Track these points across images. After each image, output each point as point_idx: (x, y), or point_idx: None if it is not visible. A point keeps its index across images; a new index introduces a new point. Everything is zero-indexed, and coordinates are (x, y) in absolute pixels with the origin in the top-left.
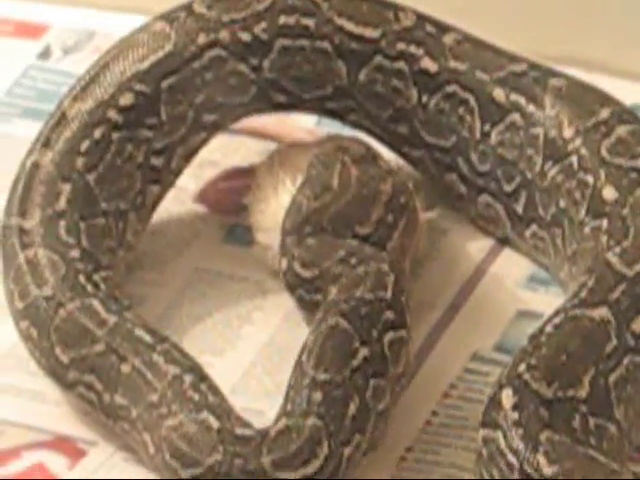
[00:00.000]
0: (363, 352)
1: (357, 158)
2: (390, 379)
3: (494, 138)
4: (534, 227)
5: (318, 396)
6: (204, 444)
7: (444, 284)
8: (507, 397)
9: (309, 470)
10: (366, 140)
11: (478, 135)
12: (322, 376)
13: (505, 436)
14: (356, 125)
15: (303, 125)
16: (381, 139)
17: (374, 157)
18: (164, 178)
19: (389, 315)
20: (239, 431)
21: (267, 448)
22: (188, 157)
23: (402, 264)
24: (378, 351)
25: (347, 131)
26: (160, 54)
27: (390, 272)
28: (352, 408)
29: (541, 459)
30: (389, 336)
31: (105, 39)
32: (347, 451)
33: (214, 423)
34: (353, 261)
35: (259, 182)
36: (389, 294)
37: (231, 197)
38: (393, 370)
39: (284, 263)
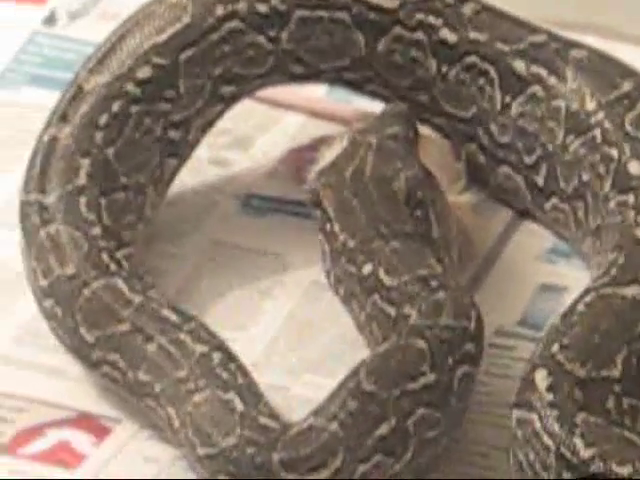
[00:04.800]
0: (428, 378)
1: (383, 142)
2: (449, 412)
3: (514, 110)
4: (555, 200)
5: (353, 405)
6: (224, 425)
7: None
8: (542, 378)
9: (316, 478)
10: None
11: (498, 106)
12: (369, 386)
13: (540, 418)
14: (374, 94)
15: (312, 94)
16: None
17: (405, 138)
18: (181, 151)
19: (470, 347)
20: (262, 420)
21: (282, 444)
22: (205, 129)
23: (451, 255)
24: (446, 381)
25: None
26: (178, 26)
27: (472, 304)
28: (383, 428)
29: (578, 441)
30: (463, 369)
31: (111, 4)
32: (362, 468)
33: (239, 405)
34: (433, 284)
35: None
36: (473, 325)
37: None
38: (455, 404)
39: (368, 267)
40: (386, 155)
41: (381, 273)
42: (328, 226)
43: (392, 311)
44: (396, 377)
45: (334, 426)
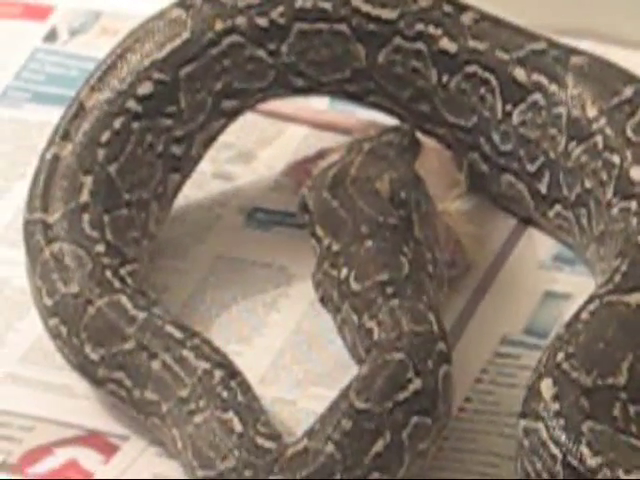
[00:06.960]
0: (416, 384)
1: (375, 147)
2: (436, 418)
3: (516, 118)
4: (558, 207)
5: (347, 424)
6: (222, 447)
7: None
8: (547, 387)
9: None
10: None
11: (500, 115)
12: (361, 404)
13: (547, 427)
14: (376, 106)
15: (315, 105)
16: (402, 118)
17: (399, 145)
18: (184, 166)
19: (441, 347)
20: (260, 441)
21: (279, 467)
22: (207, 143)
23: (434, 254)
24: (432, 384)
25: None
26: (177, 42)
27: (428, 307)
28: (379, 445)
29: (584, 450)
30: (443, 369)
31: (111, 19)
32: None
33: (237, 426)
34: (389, 290)
35: None
36: (435, 327)
37: None
38: (442, 407)
39: (344, 271)
40: (375, 158)
41: (351, 278)
42: (313, 230)
43: (355, 319)
44: (386, 390)
45: (330, 448)
